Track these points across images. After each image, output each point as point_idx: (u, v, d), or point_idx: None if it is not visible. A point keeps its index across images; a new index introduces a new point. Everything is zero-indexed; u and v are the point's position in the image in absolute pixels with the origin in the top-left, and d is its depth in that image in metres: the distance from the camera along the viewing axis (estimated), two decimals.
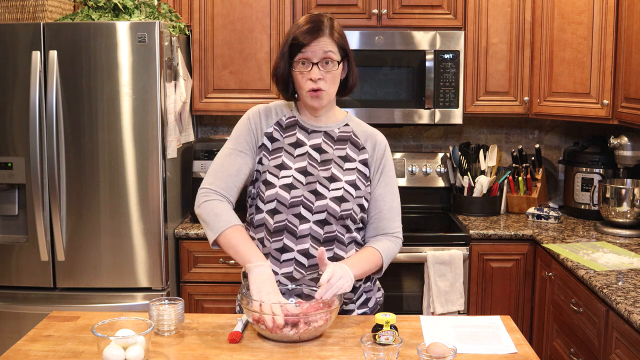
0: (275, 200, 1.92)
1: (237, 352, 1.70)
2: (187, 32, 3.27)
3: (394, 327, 1.69)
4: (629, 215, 2.98)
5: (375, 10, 3.29)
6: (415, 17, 3.31)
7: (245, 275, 2.07)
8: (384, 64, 3.28)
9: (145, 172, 2.88)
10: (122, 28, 2.82)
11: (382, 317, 1.68)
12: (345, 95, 2.04)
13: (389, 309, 1.93)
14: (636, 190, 2.99)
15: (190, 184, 3.26)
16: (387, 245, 1.99)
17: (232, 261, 3.08)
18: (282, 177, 1.93)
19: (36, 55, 2.82)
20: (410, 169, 3.61)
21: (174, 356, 1.68)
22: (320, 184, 1.93)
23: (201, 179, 3.15)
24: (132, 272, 2.92)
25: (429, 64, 3.25)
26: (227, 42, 3.33)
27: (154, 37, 2.81)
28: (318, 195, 1.92)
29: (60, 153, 2.87)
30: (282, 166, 1.94)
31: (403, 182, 3.60)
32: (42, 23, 2.83)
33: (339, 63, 1.91)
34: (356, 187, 1.96)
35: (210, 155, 3.20)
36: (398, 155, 3.63)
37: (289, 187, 1.92)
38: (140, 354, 1.61)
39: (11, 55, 2.85)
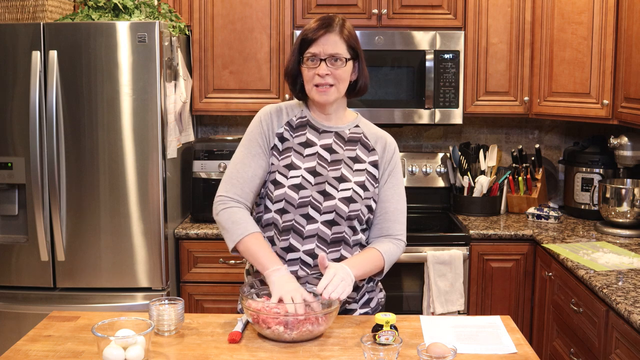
0: (284, 200, 1.92)
1: (237, 352, 1.70)
2: (187, 32, 3.27)
3: (394, 327, 1.69)
4: (629, 215, 2.98)
5: (375, 10, 3.29)
6: (415, 17, 3.31)
7: (249, 272, 2.07)
8: (384, 64, 3.28)
9: (145, 172, 2.88)
10: (122, 28, 2.82)
11: (382, 317, 1.68)
12: (355, 97, 2.04)
13: (389, 309, 1.93)
14: (636, 190, 2.99)
15: (190, 184, 3.26)
16: (389, 248, 1.99)
17: (232, 261, 3.08)
18: (291, 177, 1.93)
19: (36, 55, 2.82)
20: (410, 169, 3.61)
21: (174, 356, 1.68)
22: (329, 184, 1.93)
23: (201, 179, 3.20)
24: (132, 272, 2.92)
25: (429, 64, 3.25)
26: (227, 42, 3.33)
27: (154, 37, 2.81)
28: (327, 195, 1.92)
29: (60, 153, 2.87)
30: (291, 166, 1.94)
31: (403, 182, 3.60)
32: (42, 23, 2.83)
33: (347, 61, 1.91)
34: (365, 189, 1.96)
35: (210, 155, 3.20)
36: None
37: (297, 188, 1.92)
38: (140, 354, 1.61)
39: (11, 55, 2.85)
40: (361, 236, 2.00)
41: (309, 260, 1.92)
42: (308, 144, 1.97)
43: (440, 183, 3.62)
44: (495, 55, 3.33)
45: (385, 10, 3.30)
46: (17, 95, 2.86)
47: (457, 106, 3.28)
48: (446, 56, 3.26)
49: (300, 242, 1.92)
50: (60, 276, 2.93)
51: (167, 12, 3.12)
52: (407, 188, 3.55)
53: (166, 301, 1.85)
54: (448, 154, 3.61)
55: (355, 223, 1.96)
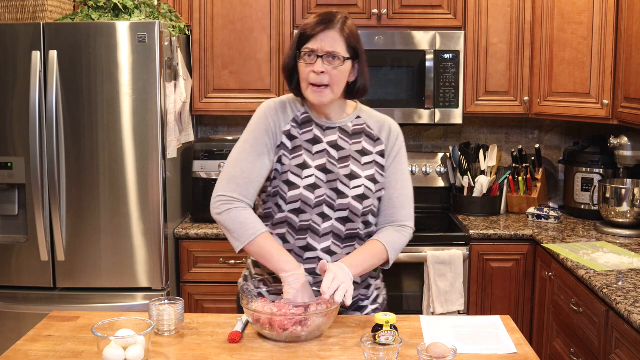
0: (300, 201, 1.89)
1: (237, 352, 1.70)
2: (187, 32, 3.27)
3: (394, 327, 1.69)
4: (629, 215, 2.98)
5: (375, 10, 3.29)
6: (415, 17, 3.31)
7: (246, 279, 2.05)
8: (384, 64, 3.28)
9: (145, 172, 2.88)
10: (122, 28, 2.82)
11: (382, 317, 1.68)
12: (354, 99, 2.00)
13: (389, 309, 1.93)
14: (636, 190, 2.99)
15: (190, 184, 3.26)
16: (393, 238, 1.95)
17: (232, 261, 3.08)
18: (305, 177, 1.90)
19: (36, 55, 2.82)
20: (410, 169, 3.60)
21: (174, 356, 1.68)
22: (341, 182, 1.92)
23: (201, 179, 3.20)
24: (132, 272, 2.92)
25: (429, 64, 3.25)
26: (227, 42, 3.33)
27: (154, 37, 2.81)
28: (340, 193, 1.91)
29: (60, 153, 2.87)
30: (304, 165, 1.91)
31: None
32: (42, 23, 2.83)
33: (345, 60, 1.87)
34: (375, 182, 1.95)
35: (210, 155, 3.20)
36: None
37: (312, 188, 1.89)
38: (140, 354, 1.61)
39: (11, 55, 2.85)
40: (373, 228, 1.99)
41: (326, 257, 1.91)
42: (316, 140, 1.94)
43: (440, 183, 3.62)
44: (495, 55, 3.33)
45: (385, 10, 3.30)
46: (17, 95, 2.86)
47: (457, 106, 3.28)
48: (446, 56, 3.26)
49: (318, 240, 1.91)
50: (60, 276, 2.93)
51: (167, 12, 3.12)
52: None
53: (166, 301, 1.85)
54: (448, 154, 3.61)
55: (370, 218, 1.95)
